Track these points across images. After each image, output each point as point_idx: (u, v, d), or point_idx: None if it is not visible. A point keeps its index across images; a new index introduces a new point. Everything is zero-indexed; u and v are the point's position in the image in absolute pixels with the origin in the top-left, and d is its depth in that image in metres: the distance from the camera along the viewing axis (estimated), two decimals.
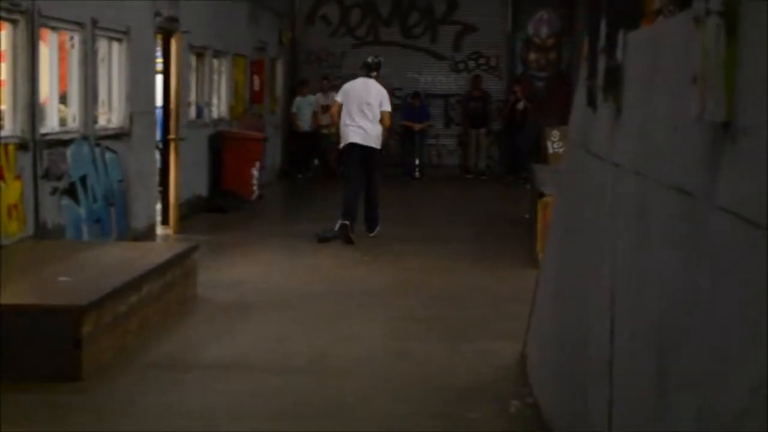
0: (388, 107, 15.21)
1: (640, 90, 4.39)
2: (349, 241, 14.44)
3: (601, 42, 5.34)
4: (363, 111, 14.97)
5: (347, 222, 14.66)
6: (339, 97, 15.39)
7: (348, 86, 15.42)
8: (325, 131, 24.24)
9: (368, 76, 15.43)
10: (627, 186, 4.54)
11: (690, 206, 3.33)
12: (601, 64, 5.36)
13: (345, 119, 15.10)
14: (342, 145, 15.30)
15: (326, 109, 23.35)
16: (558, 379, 6.48)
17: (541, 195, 12.84)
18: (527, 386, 7.63)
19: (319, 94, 24.62)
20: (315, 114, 24.51)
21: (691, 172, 3.31)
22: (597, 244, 5.21)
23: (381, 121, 15.07)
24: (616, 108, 4.88)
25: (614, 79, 4.95)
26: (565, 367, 6.17)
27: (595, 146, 5.58)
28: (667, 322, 3.59)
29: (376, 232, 15.40)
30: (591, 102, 5.78)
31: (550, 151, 21.89)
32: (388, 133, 15.97)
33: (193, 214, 17.31)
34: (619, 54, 4.87)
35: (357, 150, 14.98)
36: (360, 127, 14.96)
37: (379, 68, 15.61)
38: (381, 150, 15.30)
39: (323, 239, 14.72)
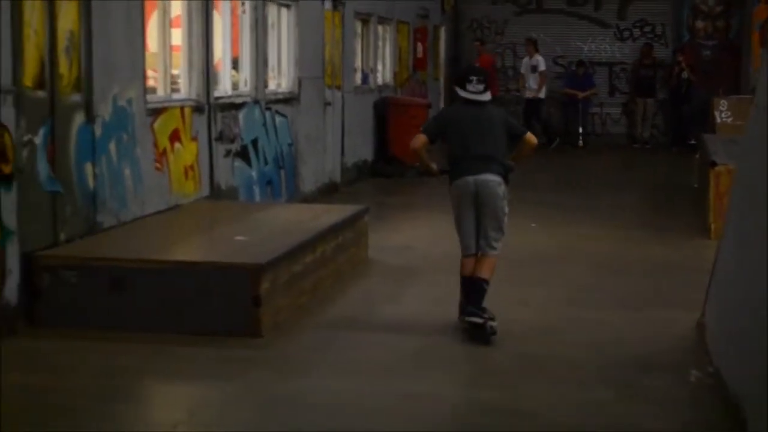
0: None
1: None
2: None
3: None
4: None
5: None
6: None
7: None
8: (541, 95, 24.24)
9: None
10: None
11: None
12: None
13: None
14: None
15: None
16: (743, 348, 6.34)
17: (713, 164, 12.59)
18: (707, 355, 7.47)
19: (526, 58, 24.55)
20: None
21: None
22: None
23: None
24: None
25: None
26: (751, 336, 6.04)
27: None
28: None
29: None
30: None
31: (718, 120, 21.41)
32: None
33: (359, 178, 17.49)
34: None
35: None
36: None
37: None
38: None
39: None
